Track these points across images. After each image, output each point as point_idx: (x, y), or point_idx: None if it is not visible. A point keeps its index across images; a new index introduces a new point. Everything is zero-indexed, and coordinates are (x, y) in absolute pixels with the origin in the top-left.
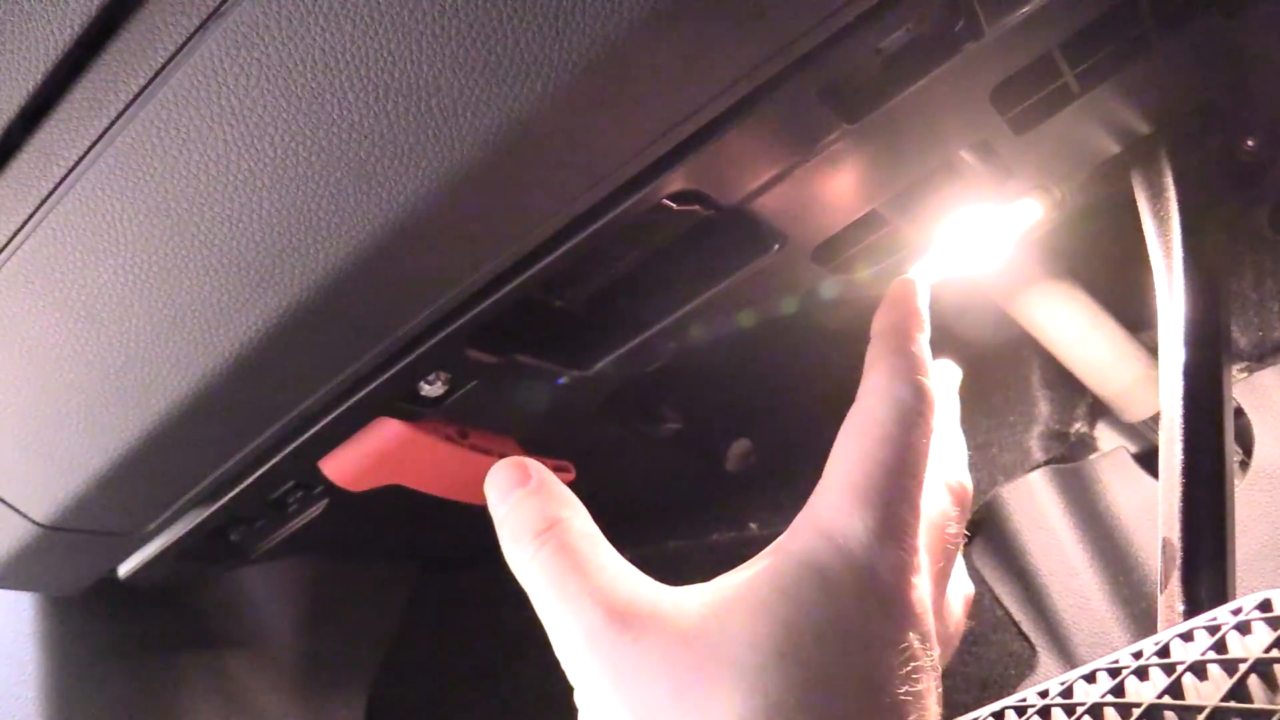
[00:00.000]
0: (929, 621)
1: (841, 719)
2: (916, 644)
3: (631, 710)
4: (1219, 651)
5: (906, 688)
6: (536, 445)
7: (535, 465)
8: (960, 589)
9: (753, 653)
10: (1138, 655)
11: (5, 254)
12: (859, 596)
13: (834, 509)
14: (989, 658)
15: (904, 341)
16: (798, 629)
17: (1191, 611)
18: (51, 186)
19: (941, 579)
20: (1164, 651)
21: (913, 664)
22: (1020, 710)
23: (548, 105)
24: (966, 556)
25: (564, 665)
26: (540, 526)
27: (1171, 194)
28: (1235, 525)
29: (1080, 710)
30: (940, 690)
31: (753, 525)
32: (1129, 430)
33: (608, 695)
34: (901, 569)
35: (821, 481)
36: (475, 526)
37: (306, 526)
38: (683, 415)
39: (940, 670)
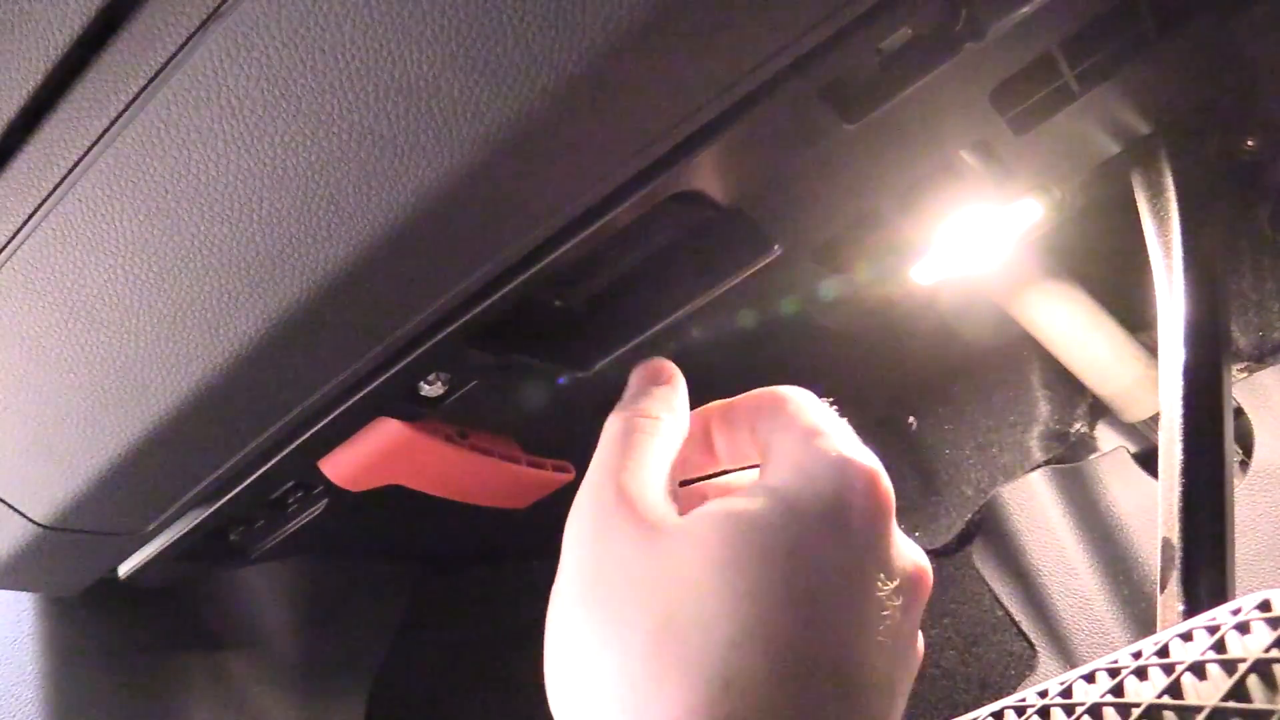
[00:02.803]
0: (893, 558)
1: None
2: (877, 572)
3: (584, 578)
4: (1218, 651)
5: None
6: (536, 445)
7: (669, 366)
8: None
9: (714, 578)
10: (1137, 655)
11: (5, 254)
12: (824, 525)
13: (798, 451)
14: (989, 658)
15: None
16: (748, 544)
17: (1191, 611)
18: (51, 187)
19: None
20: (1163, 651)
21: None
22: (1020, 710)
23: (548, 105)
24: (966, 556)
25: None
26: (634, 408)
27: (1171, 194)
28: (1235, 525)
29: (1080, 710)
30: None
31: None
32: (1129, 430)
33: (574, 555)
34: (869, 499)
35: (770, 453)
36: (475, 526)
37: (306, 526)
38: None
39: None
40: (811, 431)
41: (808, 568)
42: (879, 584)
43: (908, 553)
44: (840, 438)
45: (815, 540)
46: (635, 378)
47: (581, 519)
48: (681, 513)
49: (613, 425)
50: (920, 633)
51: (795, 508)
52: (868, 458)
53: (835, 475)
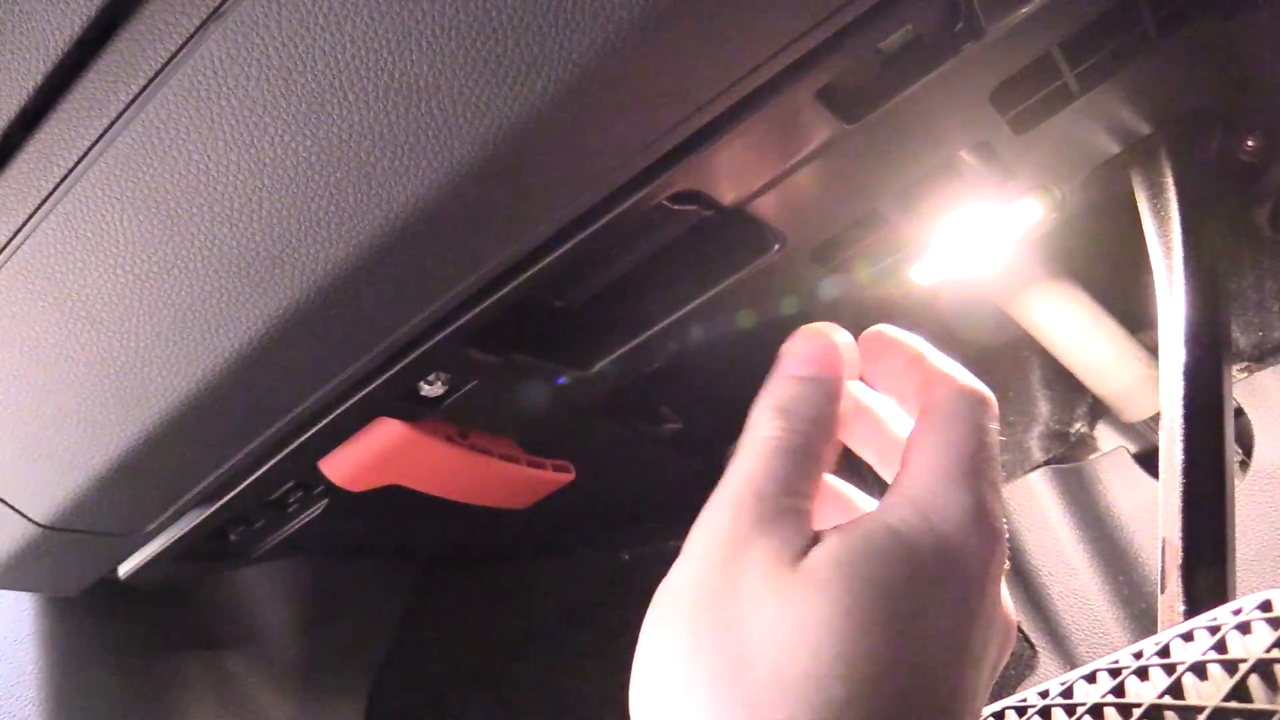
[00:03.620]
0: (998, 617)
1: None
2: (980, 632)
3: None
4: (1219, 651)
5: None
6: (536, 445)
7: (848, 349)
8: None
9: (820, 627)
10: (1138, 655)
11: (5, 254)
12: (940, 579)
13: (925, 487)
14: None
15: (942, 358)
16: (872, 597)
17: (1191, 611)
18: (51, 187)
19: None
20: (1164, 651)
21: (976, 651)
22: (1020, 710)
23: (548, 106)
24: None
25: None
26: (793, 415)
27: (1171, 194)
28: (1235, 525)
29: (1081, 710)
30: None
31: None
32: (1129, 430)
33: (695, 572)
34: (988, 558)
35: (905, 469)
36: (475, 526)
37: (306, 526)
38: (683, 415)
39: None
40: (966, 464)
41: (922, 626)
42: (979, 643)
43: (1006, 609)
44: (987, 481)
45: (931, 597)
46: (801, 352)
47: (711, 532)
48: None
49: (767, 429)
50: None
51: (917, 562)
52: (999, 515)
53: (964, 531)
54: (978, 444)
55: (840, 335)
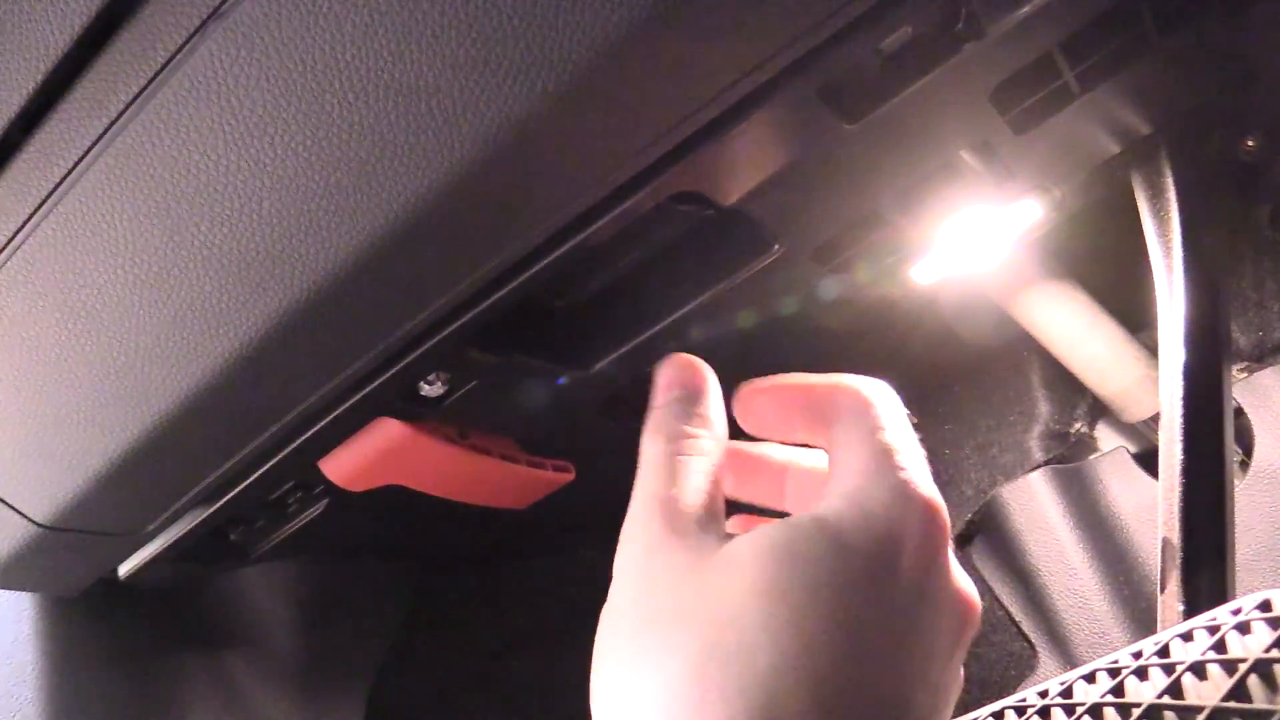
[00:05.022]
0: (949, 591)
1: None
2: (927, 607)
3: (635, 603)
4: (1219, 651)
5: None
6: (536, 445)
7: (702, 371)
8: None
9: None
10: (1137, 655)
11: (5, 254)
12: (871, 555)
13: (851, 481)
14: (989, 658)
15: (818, 376)
16: (789, 574)
17: (1191, 611)
18: (51, 187)
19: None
20: (1164, 651)
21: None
22: (1020, 710)
23: (548, 105)
24: (966, 557)
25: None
26: (672, 429)
27: (1171, 194)
28: (1235, 525)
29: (1080, 710)
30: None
31: None
32: (1129, 430)
33: (623, 582)
34: (926, 531)
35: (830, 474)
36: (475, 526)
37: (306, 526)
38: None
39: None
40: (882, 451)
41: (853, 602)
42: (927, 619)
43: (958, 585)
44: (908, 460)
45: (863, 576)
46: (664, 381)
47: (631, 548)
48: (728, 531)
49: (653, 449)
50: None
51: (845, 541)
52: (929, 489)
53: (893, 510)
54: (892, 429)
55: (695, 360)
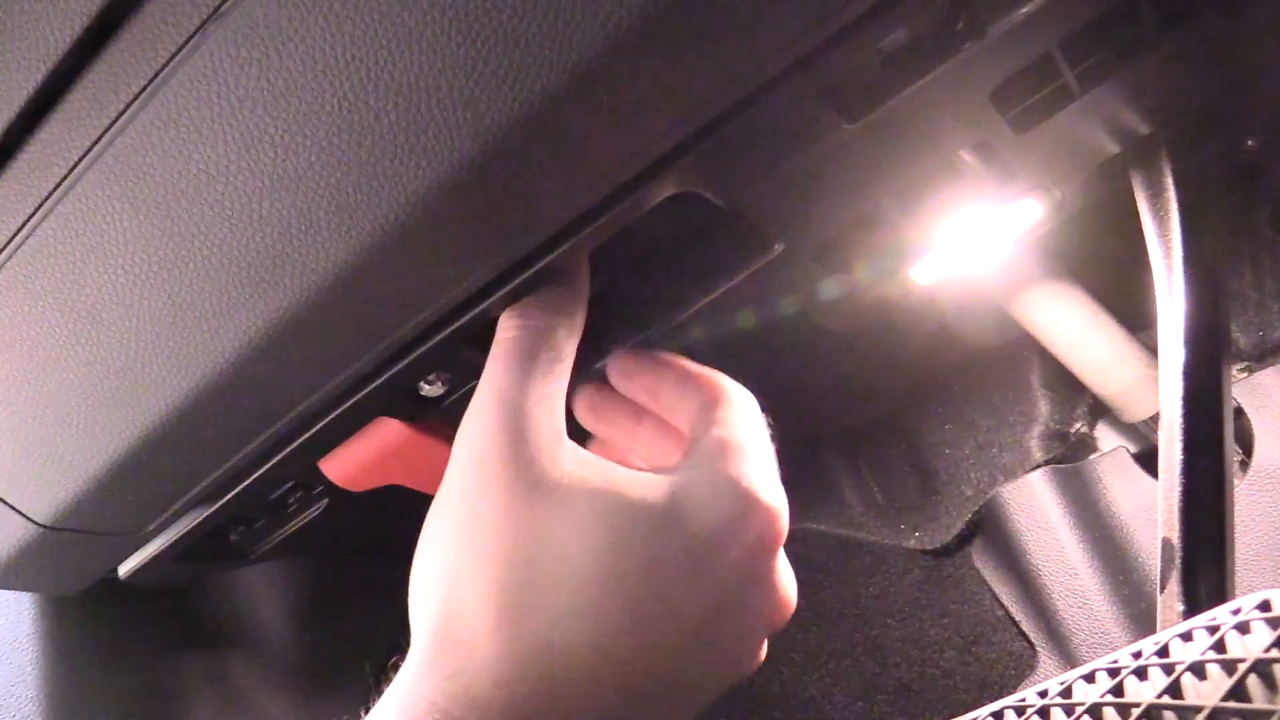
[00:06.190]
0: (774, 586)
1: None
2: (753, 598)
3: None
4: (1218, 651)
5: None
6: None
7: (580, 278)
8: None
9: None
10: (1137, 655)
11: (5, 254)
12: (704, 542)
13: (713, 456)
14: (989, 658)
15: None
16: (613, 537)
17: (1191, 611)
18: (51, 187)
19: None
20: (1163, 651)
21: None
22: (1020, 710)
23: (548, 105)
24: (966, 556)
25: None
26: (527, 313)
27: (1171, 194)
28: (1235, 525)
29: (1080, 710)
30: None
31: None
32: (1129, 430)
33: (458, 476)
34: (760, 529)
35: (689, 449)
36: None
37: (306, 526)
38: None
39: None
40: (735, 448)
41: (673, 579)
42: (749, 607)
43: (781, 582)
44: (758, 464)
45: (689, 560)
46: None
47: (470, 445)
48: (570, 449)
49: (507, 332)
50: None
51: (684, 521)
52: (775, 495)
53: (737, 505)
54: (752, 430)
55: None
